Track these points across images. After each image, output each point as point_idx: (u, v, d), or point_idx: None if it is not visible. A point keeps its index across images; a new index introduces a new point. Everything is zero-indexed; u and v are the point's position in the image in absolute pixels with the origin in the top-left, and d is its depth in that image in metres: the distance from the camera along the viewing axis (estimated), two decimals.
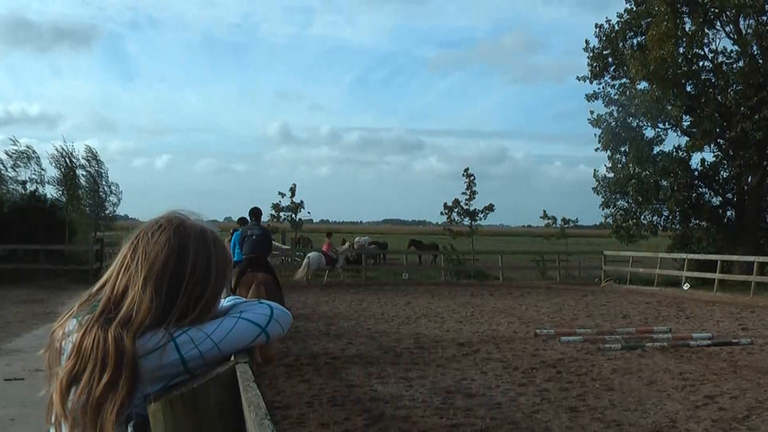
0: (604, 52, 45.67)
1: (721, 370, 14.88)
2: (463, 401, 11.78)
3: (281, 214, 46.58)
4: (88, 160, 43.57)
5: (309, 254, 37.30)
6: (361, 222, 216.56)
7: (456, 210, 45.30)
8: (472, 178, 45.06)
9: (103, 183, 44.43)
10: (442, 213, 46.14)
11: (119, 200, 46.40)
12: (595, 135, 45.55)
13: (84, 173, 43.07)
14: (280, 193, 46.20)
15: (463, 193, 45.23)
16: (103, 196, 44.46)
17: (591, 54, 45.86)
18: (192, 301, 2.24)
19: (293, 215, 46.02)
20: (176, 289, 2.23)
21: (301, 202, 45.83)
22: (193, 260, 2.27)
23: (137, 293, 2.19)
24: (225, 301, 2.48)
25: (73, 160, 41.39)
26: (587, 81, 46.57)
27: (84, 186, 42.92)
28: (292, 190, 45.62)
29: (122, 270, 2.26)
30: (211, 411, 2.04)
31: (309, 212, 49.17)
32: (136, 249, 2.28)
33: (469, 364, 15.24)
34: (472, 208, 45.17)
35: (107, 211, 45.98)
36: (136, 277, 2.22)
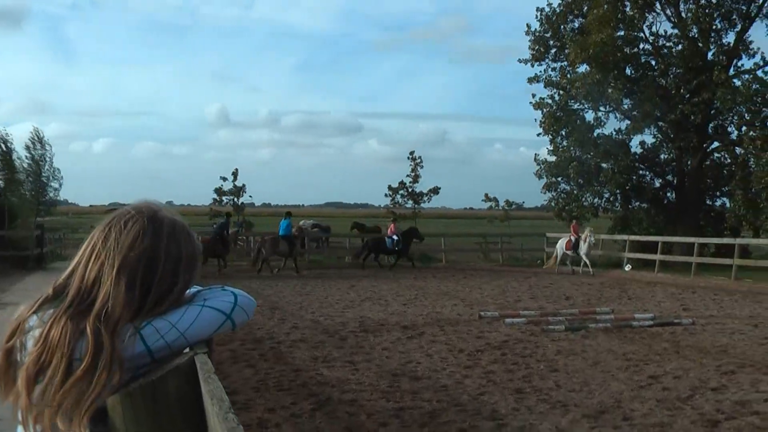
0: (545, 36, 45.89)
1: (664, 350, 15.01)
2: (410, 384, 11.78)
3: (224, 198, 46.45)
4: (33, 143, 43.08)
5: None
6: (303, 205, 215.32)
7: (401, 192, 45.36)
8: (418, 160, 45.13)
9: (46, 167, 43.99)
10: (386, 195, 46.19)
11: (60, 185, 45.98)
12: (536, 119, 45.82)
13: (27, 156, 42.56)
14: (222, 178, 46.08)
15: (408, 176, 45.31)
16: (45, 180, 44.00)
17: (532, 37, 46.06)
18: (165, 293, 2.20)
19: (235, 199, 45.89)
20: (150, 281, 2.18)
21: (243, 185, 45.73)
22: (166, 251, 2.23)
23: (111, 284, 2.13)
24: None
25: (8, 144, 40.76)
26: (528, 64, 46.80)
27: (25, 170, 42.36)
28: (234, 174, 45.50)
29: (92, 259, 2.19)
30: (171, 403, 1.99)
31: (251, 196, 49.06)
32: (108, 237, 2.21)
33: (415, 347, 15.25)
34: (417, 191, 45.25)
35: (48, 196, 45.51)
36: (109, 267, 2.16)
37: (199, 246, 2.41)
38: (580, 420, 9.77)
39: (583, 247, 35.60)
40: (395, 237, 37.89)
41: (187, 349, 2.16)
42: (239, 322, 2.32)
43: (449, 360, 13.94)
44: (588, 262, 35.62)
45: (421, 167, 45.41)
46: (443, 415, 9.95)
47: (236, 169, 45.85)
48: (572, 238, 36.49)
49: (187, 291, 2.40)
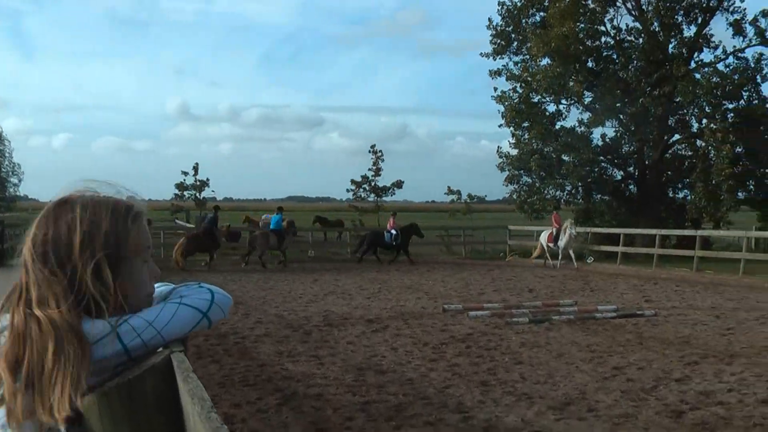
0: (507, 29, 45.98)
1: (627, 341, 15.12)
2: (375, 378, 11.78)
3: (185, 193, 46.27)
4: None
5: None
6: (265, 199, 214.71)
7: (364, 186, 45.34)
8: (379, 154, 45.12)
9: (6, 163, 43.65)
10: (349, 190, 46.12)
11: (20, 181, 45.64)
12: (499, 111, 45.89)
13: None
14: (183, 172, 45.90)
15: (370, 170, 45.30)
16: (5, 176, 43.66)
17: (494, 31, 46.14)
18: (104, 280, 2.15)
19: (197, 194, 45.73)
20: (66, 261, 2.14)
21: (206, 180, 45.58)
22: (93, 234, 2.17)
23: (39, 271, 2.10)
24: (161, 286, 2.42)
25: None
26: (490, 57, 46.88)
27: None
28: (195, 169, 45.33)
29: (31, 249, 2.17)
30: (148, 402, 1.97)
31: (213, 190, 48.79)
32: (41, 226, 2.18)
33: (379, 341, 15.25)
34: (380, 185, 45.25)
35: (8, 192, 45.16)
36: (43, 255, 2.14)
37: (146, 229, 2.33)
38: (546, 412, 9.82)
39: (563, 239, 34.83)
40: (394, 231, 37.62)
41: (161, 348, 2.14)
42: (215, 320, 2.30)
43: (414, 353, 13.94)
44: (572, 254, 34.69)
45: (383, 161, 45.43)
46: (409, 409, 9.95)
47: (197, 164, 45.75)
48: (554, 230, 35.90)
49: (160, 286, 2.38)
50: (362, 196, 46.38)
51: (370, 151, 45.46)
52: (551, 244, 35.69)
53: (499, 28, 46.03)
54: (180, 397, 1.95)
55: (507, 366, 12.79)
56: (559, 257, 35.14)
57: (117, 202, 2.26)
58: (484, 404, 10.23)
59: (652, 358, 13.29)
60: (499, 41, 46.17)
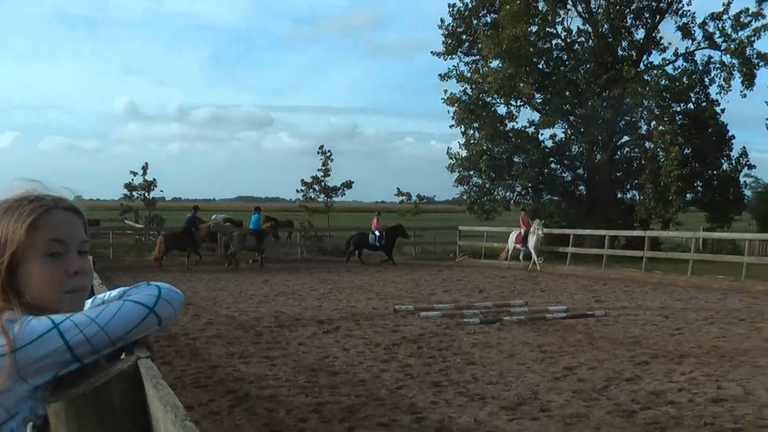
0: (458, 30, 46.12)
1: (578, 341, 15.22)
2: (328, 379, 11.76)
3: (134, 193, 45.93)
4: None
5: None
6: (214, 199, 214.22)
7: (313, 187, 45.20)
8: (328, 154, 45.00)
9: None
10: (299, 190, 45.96)
11: None
12: (449, 112, 45.98)
13: None
14: (132, 172, 45.54)
15: (319, 170, 45.16)
16: None
17: (445, 31, 46.24)
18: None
19: (146, 194, 45.42)
20: None
21: (154, 180, 45.28)
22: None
23: None
24: (114, 292, 2.39)
25: None
26: (441, 57, 46.99)
27: None
28: (144, 169, 45.02)
29: None
30: (116, 409, 1.95)
31: (162, 190, 48.46)
32: None
33: (331, 342, 15.23)
34: (330, 185, 45.13)
35: None
36: None
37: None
38: (499, 412, 9.85)
39: (531, 241, 34.48)
40: (378, 232, 37.32)
41: (108, 347, 2.12)
42: (165, 317, 2.25)
43: (366, 354, 13.94)
44: (536, 257, 34.34)
45: (332, 161, 45.30)
46: (362, 410, 9.94)
47: (146, 164, 45.46)
48: (522, 231, 35.33)
49: (114, 293, 2.36)
50: (312, 196, 46.13)
51: (319, 152, 45.35)
52: (519, 245, 35.22)
53: (450, 28, 46.16)
54: (148, 404, 1.92)
55: (459, 366, 12.81)
56: (532, 258, 34.61)
57: (13, 201, 2.26)
58: (436, 405, 10.24)
59: (603, 358, 13.39)
60: (450, 41, 46.31)
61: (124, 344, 2.17)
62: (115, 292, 2.37)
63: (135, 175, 45.44)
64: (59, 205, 2.28)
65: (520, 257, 35.89)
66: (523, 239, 34.88)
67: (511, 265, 35.43)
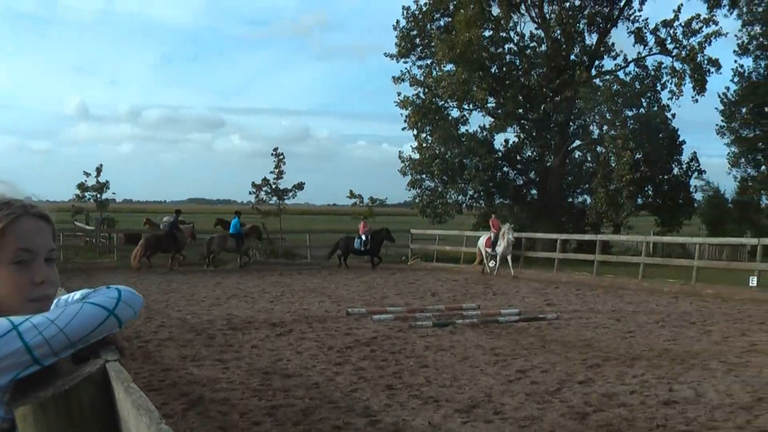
0: (412, 33, 46.22)
1: (531, 344, 15.30)
2: (281, 382, 11.72)
3: (86, 194, 45.51)
4: None
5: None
6: (165, 201, 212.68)
7: (265, 189, 45.01)
8: (281, 157, 44.84)
9: None
10: (250, 192, 45.75)
11: None
12: (401, 114, 46.07)
13: None
14: (85, 173, 45.14)
15: (272, 172, 44.98)
16: None
17: (399, 34, 46.32)
18: None
19: (98, 195, 45.04)
20: None
21: (107, 182, 44.92)
22: None
23: None
24: (77, 294, 2.37)
25: None
26: (394, 59, 47.07)
27: None
28: (98, 170, 44.65)
29: None
30: (85, 413, 1.92)
31: (114, 192, 48.01)
32: None
33: (284, 345, 15.19)
34: (281, 187, 44.95)
35: None
36: None
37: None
38: (453, 415, 9.87)
39: (501, 244, 33.22)
40: (364, 236, 36.78)
41: (68, 349, 2.10)
42: (125, 319, 2.24)
43: (319, 357, 13.92)
44: (509, 260, 33.10)
45: (284, 163, 45.11)
46: (316, 413, 9.92)
47: (101, 165, 45.05)
48: (492, 235, 34.08)
49: (75, 295, 2.34)
50: (264, 198, 45.91)
51: (272, 154, 45.16)
52: (489, 249, 34.14)
53: (404, 31, 46.24)
54: (117, 407, 1.90)
55: (412, 369, 12.83)
56: (497, 263, 33.67)
57: None
58: (390, 408, 10.24)
59: (556, 361, 13.48)
60: (404, 44, 46.40)
61: (84, 346, 2.15)
62: (77, 295, 2.35)
63: (88, 176, 45.04)
64: (29, 212, 2.25)
65: (490, 263, 34.32)
66: (493, 243, 33.82)
67: (487, 271, 34.11)
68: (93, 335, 2.15)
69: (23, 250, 2.19)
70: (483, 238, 34.88)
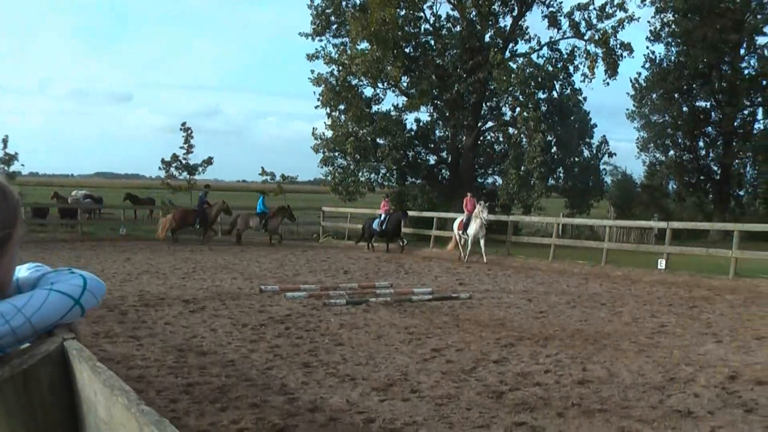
0: (327, 11, 46.03)
1: (445, 324, 15.41)
2: (197, 359, 11.64)
3: None
4: None
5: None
6: (72, 175, 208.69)
7: (175, 164, 44.56)
8: (190, 131, 44.41)
9: None
10: (160, 168, 45.24)
11: None
12: (315, 93, 45.92)
13: None
14: None
15: (181, 147, 44.53)
16: None
17: (314, 11, 46.09)
18: None
19: (6, 168, 44.14)
20: None
21: (16, 154, 44.01)
22: None
23: None
24: (29, 269, 2.30)
25: None
26: (309, 38, 46.86)
27: None
28: (5, 141, 43.73)
29: None
30: (44, 393, 1.87)
31: (23, 164, 47.07)
32: None
33: (198, 322, 15.10)
34: (191, 162, 44.54)
35: None
36: None
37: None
38: (370, 393, 9.90)
39: (472, 226, 30.92)
40: (382, 216, 35.13)
41: (31, 337, 2.05)
42: (88, 307, 2.20)
43: (234, 334, 13.86)
44: (483, 245, 30.77)
45: (193, 138, 44.65)
46: (233, 390, 9.87)
47: (6, 136, 44.09)
48: (464, 218, 31.97)
49: (28, 271, 2.28)
50: (174, 173, 45.43)
51: (181, 129, 44.69)
52: (460, 232, 31.92)
53: (319, 8, 46.03)
54: (77, 388, 1.86)
55: (328, 347, 12.85)
56: (468, 247, 31.39)
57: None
58: (307, 385, 10.24)
59: (470, 340, 13.60)
60: (319, 22, 46.19)
61: (44, 332, 2.10)
62: (32, 275, 2.28)
63: None
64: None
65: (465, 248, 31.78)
66: (465, 225, 31.53)
67: (463, 257, 31.47)
68: (57, 323, 2.11)
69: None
70: (457, 221, 32.75)
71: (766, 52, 53.20)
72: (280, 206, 37.86)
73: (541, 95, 44.33)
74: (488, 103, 46.95)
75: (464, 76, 44.37)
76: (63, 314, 2.11)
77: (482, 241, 30.83)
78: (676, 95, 53.40)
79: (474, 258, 30.78)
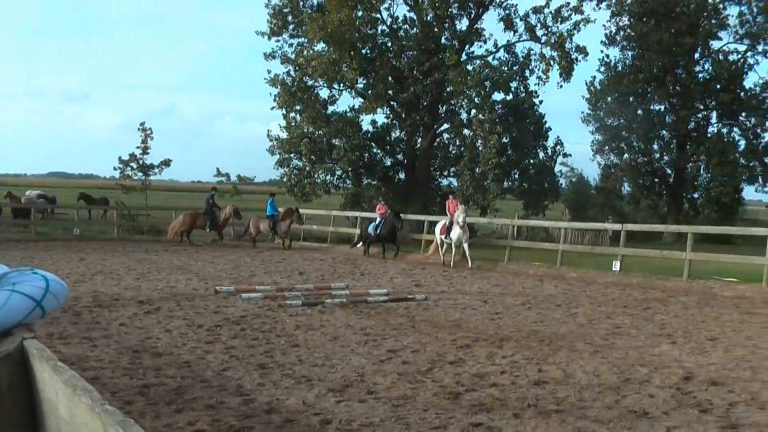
0: (284, 11, 45.99)
1: (400, 325, 15.42)
2: (152, 360, 11.56)
3: None
4: None
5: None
6: (26, 174, 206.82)
7: (131, 165, 44.29)
8: (149, 132, 44.16)
9: None
10: (116, 168, 44.92)
11: None
12: (271, 94, 45.82)
13: None
14: None
15: (138, 147, 44.26)
16: None
17: (271, 11, 46.04)
18: None
19: None
20: None
21: None
22: None
23: None
24: None
25: None
26: (266, 37, 46.74)
27: None
28: None
29: None
30: (3, 393, 1.85)
31: None
32: None
33: (153, 323, 15.00)
34: (148, 163, 44.30)
35: None
36: None
37: None
38: (326, 394, 9.87)
39: (454, 231, 29.91)
40: (377, 220, 33.91)
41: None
42: (49, 309, 2.19)
43: (189, 335, 13.78)
44: (467, 249, 29.86)
45: (152, 139, 44.42)
46: (189, 392, 9.81)
47: None
48: (446, 221, 30.89)
49: None
50: (129, 174, 45.16)
51: (139, 129, 44.42)
52: (443, 236, 30.92)
53: (276, 8, 45.97)
54: (36, 387, 1.84)
55: (283, 349, 12.80)
56: (453, 253, 30.25)
57: None
58: (263, 387, 10.20)
59: (426, 341, 13.61)
60: (276, 22, 46.12)
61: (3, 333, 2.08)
62: None
63: None
64: None
65: (446, 253, 31.02)
66: (448, 229, 30.44)
67: (444, 262, 30.64)
68: (16, 324, 2.08)
69: None
70: (439, 225, 31.71)
71: (720, 56, 53.88)
72: (288, 208, 37.86)
73: (496, 97, 44.68)
74: (444, 105, 47.16)
75: (420, 77, 44.57)
76: (24, 316, 2.09)
77: (466, 245, 29.92)
78: (630, 98, 53.91)
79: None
